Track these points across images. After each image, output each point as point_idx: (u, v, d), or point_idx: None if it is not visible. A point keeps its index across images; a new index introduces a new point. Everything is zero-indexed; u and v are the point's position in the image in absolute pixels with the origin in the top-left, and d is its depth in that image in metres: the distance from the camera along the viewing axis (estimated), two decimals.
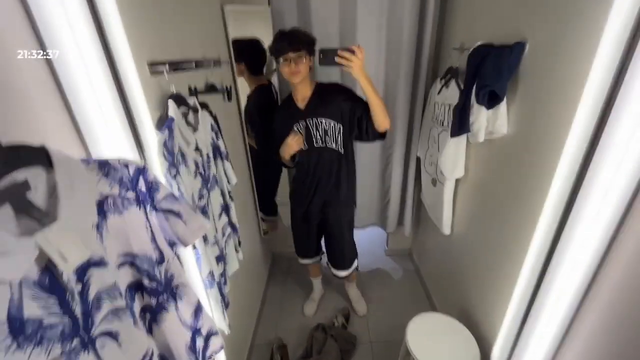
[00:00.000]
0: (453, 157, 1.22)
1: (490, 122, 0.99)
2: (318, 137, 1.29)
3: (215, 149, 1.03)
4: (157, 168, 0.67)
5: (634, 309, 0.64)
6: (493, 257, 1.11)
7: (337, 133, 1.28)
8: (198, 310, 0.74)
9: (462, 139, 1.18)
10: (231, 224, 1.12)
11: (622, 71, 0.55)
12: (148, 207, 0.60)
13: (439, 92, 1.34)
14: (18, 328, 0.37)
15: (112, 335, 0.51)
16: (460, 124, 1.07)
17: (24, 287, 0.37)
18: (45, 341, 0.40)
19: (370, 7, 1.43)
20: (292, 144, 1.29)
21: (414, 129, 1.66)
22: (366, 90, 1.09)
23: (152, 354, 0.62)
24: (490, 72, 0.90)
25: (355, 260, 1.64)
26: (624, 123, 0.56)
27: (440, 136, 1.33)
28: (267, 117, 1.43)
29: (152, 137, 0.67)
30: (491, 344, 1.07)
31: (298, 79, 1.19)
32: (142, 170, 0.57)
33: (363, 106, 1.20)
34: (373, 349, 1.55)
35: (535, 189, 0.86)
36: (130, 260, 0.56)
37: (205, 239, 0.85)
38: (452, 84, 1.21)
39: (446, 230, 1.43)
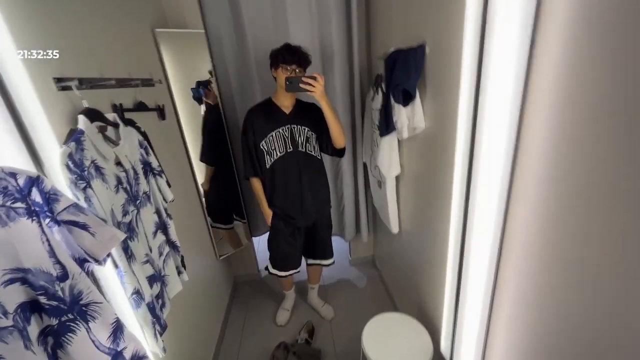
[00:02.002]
0: (388, 156, 1.29)
1: (410, 118, 1.07)
2: (300, 142, 1.40)
3: (146, 165, 1.00)
4: (61, 180, 0.65)
5: (537, 269, 0.69)
6: (433, 247, 1.16)
7: (314, 142, 1.42)
8: (117, 331, 0.69)
9: (393, 138, 1.25)
10: (170, 242, 1.08)
11: (481, 61, 0.63)
12: (46, 220, 0.57)
13: (372, 99, 1.42)
14: None
15: None
16: (387, 124, 1.14)
17: None
18: None
19: (302, 30, 1.54)
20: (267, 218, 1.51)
21: (357, 138, 1.74)
22: (326, 112, 1.26)
23: None
24: (401, 73, 0.99)
25: (332, 251, 1.73)
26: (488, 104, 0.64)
27: (378, 139, 1.40)
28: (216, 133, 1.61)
29: (54, 150, 0.64)
30: (440, 333, 1.09)
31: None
32: (34, 180, 0.54)
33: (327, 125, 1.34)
34: (339, 359, 1.51)
35: (445, 177, 0.93)
36: (21, 276, 0.52)
37: (129, 255, 0.81)
38: (380, 89, 1.30)
39: (394, 229, 1.47)
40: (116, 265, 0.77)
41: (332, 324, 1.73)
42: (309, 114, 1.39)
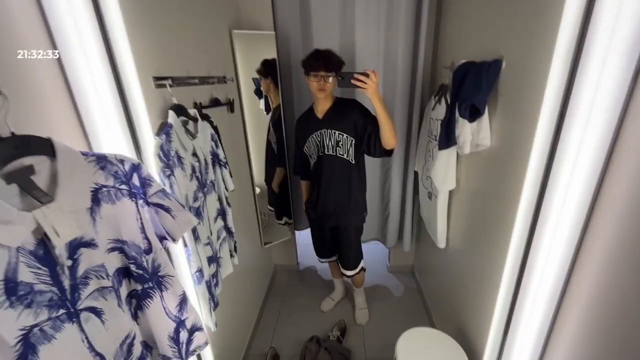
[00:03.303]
0: (444, 170, 1.25)
1: (474, 134, 1.02)
2: (330, 145, 1.41)
3: (215, 157, 1.11)
4: (153, 167, 0.75)
5: (610, 309, 0.63)
6: (482, 269, 1.11)
7: (348, 145, 1.40)
8: (183, 302, 0.79)
9: (452, 152, 1.21)
10: (227, 228, 1.18)
11: (570, 84, 0.59)
12: (140, 201, 0.67)
13: (433, 108, 1.39)
14: (12, 289, 0.43)
15: (97, 312, 0.57)
16: (447, 137, 1.10)
17: (20, 254, 0.44)
18: (34, 305, 0.46)
19: (368, 34, 1.54)
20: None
21: (411, 145, 1.70)
22: (378, 109, 1.20)
23: (134, 337, 0.67)
24: (471, 87, 0.95)
25: (361, 262, 1.70)
26: (574, 131, 0.60)
27: (434, 150, 1.36)
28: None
29: (150, 140, 0.75)
30: (480, 356, 1.04)
31: (323, 95, 1.33)
32: (136, 167, 0.64)
33: (374, 124, 1.30)
34: None
35: (511, 199, 0.87)
36: (120, 246, 0.62)
37: (197, 237, 0.91)
38: (443, 100, 1.26)
39: (441, 244, 1.43)
40: (185, 245, 0.87)
41: (364, 327, 1.75)
42: (346, 115, 1.36)
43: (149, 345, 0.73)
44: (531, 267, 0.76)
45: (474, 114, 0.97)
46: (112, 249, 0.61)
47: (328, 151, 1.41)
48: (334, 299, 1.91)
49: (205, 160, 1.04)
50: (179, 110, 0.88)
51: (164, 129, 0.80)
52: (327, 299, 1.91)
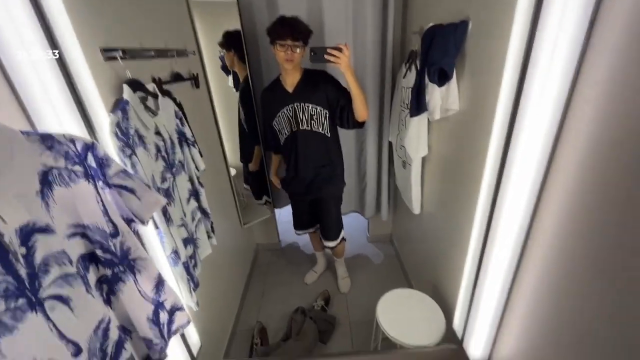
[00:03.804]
0: (416, 137, 1.26)
1: (444, 99, 1.03)
2: (304, 120, 1.37)
3: (181, 135, 1.05)
4: (111, 147, 0.70)
5: (567, 264, 0.68)
6: (454, 230, 1.16)
7: (323, 118, 1.38)
8: (159, 284, 0.77)
9: (423, 119, 1.22)
10: (201, 209, 1.15)
11: (531, 41, 0.60)
12: (100, 183, 0.63)
13: (404, 76, 1.38)
14: None
15: (63, 300, 0.54)
16: (418, 104, 1.11)
17: None
18: None
19: (336, 0, 1.47)
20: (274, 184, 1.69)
21: (384, 116, 1.70)
22: (351, 83, 1.19)
23: (108, 322, 0.65)
24: (439, 51, 0.95)
25: (341, 232, 1.73)
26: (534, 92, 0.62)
27: (406, 119, 1.37)
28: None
29: (104, 118, 0.69)
30: (454, 311, 1.12)
31: (291, 66, 1.27)
32: (90, 147, 0.59)
33: (346, 96, 1.30)
34: (352, 329, 1.60)
35: (477, 160, 0.90)
36: (82, 231, 0.59)
37: (168, 219, 0.88)
38: (413, 67, 1.26)
39: (416, 209, 1.48)
40: (157, 227, 0.84)
41: (347, 295, 1.82)
42: (317, 88, 1.32)
43: (127, 329, 0.72)
44: (496, 224, 0.80)
45: (442, 79, 0.98)
46: (73, 235, 0.58)
47: (303, 126, 1.38)
48: (317, 272, 1.96)
49: (171, 140, 0.98)
50: (135, 85, 0.82)
51: (119, 105, 0.75)
52: (310, 272, 1.96)
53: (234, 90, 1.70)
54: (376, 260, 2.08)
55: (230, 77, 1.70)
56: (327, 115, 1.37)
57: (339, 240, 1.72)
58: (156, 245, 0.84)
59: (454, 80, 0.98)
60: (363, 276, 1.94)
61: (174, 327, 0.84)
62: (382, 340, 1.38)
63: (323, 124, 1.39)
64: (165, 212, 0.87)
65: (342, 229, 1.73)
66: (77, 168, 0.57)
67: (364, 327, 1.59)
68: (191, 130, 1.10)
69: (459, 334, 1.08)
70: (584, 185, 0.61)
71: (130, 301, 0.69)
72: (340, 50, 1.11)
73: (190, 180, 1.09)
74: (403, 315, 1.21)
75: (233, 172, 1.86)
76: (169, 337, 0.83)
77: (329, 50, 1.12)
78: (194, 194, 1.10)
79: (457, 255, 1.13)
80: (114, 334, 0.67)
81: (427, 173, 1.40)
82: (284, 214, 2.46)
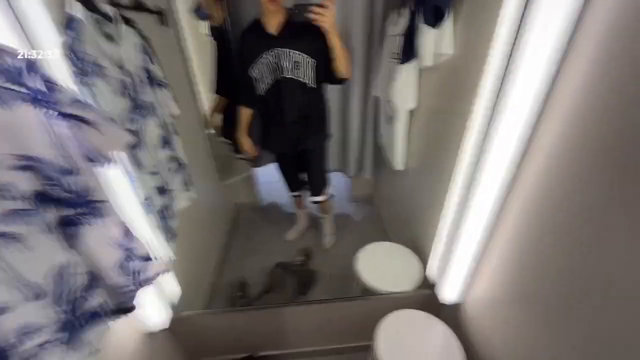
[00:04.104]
0: (404, 87, 1.21)
1: (437, 43, 0.97)
2: (288, 67, 1.27)
3: (149, 74, 0.94)
4: (64, 72, 0.60)
5: (540, 221, 0.70)
6: (437, 184, 1.17)
7: (309, 67, 1.28)
8: (127, 231, 0.72)
9: (413, 68, 1.16)
10: (176, 158, 1.08)
11: None
12: (50, 111, 0.54)
13: (395, 24, 1.29)
14: None
15: (15, 238, 0.48)
16: (409, 49, 1.04)
17: None
18: None
19: None
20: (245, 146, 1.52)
21: (371, 69, 1.62)
22: (333, 44, 1.14)
23: (75, 266, 0.60)
24: None
25: (328, 187, 1.73)
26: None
27: (395, 69, 1.30)
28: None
29: (51, 38, 0.59)
30: (431, 261, 1.16)
31: (275, 7, 1.16)
32: (32, 64, 0.50)
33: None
34: (332, 282, 1.65)
35: (465, 110, 0.88)
36: (31, 164, 0.51)
37: (139, 164, 0.81)
38: (406, 11, 1.17)
39: (399, 165, 1.47)
40: (128, 172, 0.77)
41: (328, 251, 1.85)
42: (305, 33, 1.20)
43: (96, 276, 0.67)
44: (478, 179, 0.80)
45: (437, 18, 0.91)
46: (22, 168, 0.50)
47: (286, 74, 1.28)
48: (298, 230, 1.97)
49: (140, 77, 0.88)
50: (88, 3, 0.70)
51: (70, 25, 0.63)
52: (291, 230, 1.96)
53: (211, 38, 1.54)
54: (357, 219, 2.11)
55: (207, 24, 1.52)
56: (314, 65, 1.27)
57: (325, 196, 1.71)
58: (129, 190, 0.77)
59: (449, 22, 0.92)
60: (344, 233, 1.97)
61: (148, 276, 0.81)
62: (361, 290, 1.43)
63: (309, 74, 1.30)
64: (135, 156, 0.79)
65: (329, 183, 1.73)
66: (16, 88, 0.48)
67: (343, 280, 1.64)
68: (162, 70, 0.99)
69: (434, 281, 1.13)
70: (572, 139, 0.60)
71: (96, 246, 0.64)
72: (325, 6, 1.03)
73: (163, 126, 1.00)
74: (381, 265, 1.24)
75: (210, 130, 1.75)
76: (142, 285, 0.80)
77: (312, 9, 1.04)
78: (167, 142, 1.02)
79: (437, 208, 1.14)
80: (80, 279, 0.62)
81: (414, 128, 1.37)
82: (265, 173, 2.41)
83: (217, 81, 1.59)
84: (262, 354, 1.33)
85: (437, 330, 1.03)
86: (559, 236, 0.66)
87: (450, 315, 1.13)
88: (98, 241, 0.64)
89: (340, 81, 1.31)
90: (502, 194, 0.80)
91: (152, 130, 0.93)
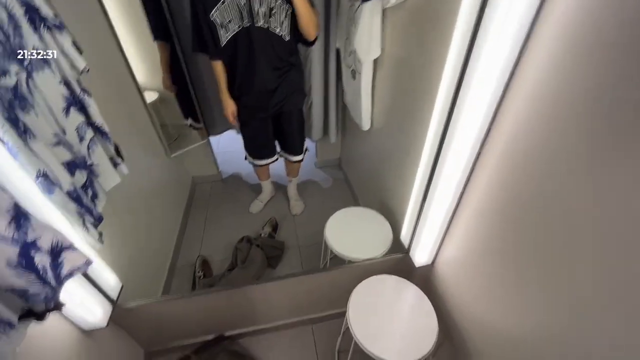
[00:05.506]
0: (368, 34, 1.06)
1: None
2: (261, 14, 1.09)
3: (31, 12, 0.70)
4: None
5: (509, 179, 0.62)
6: (406, 142, 1.07)
7: (284, 15, 1.11)
8: (19, 217, 0.55)
9: (376, 8, 1.01)
10: (93, 125, 0.87)
11: None
12: None
13: None
14: None
15: None
16: None
17: None
18: None
19: None
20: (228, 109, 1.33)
21: (331, 16, 1.42)
22: (297, 3, 1.05)
23: None
24: None
25: (306, 143, 1.63)
26: None
27: (357, 13, 1.13)
28: None
29: None
30: (401, 224, 1.10)
31: None
32: None
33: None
34: (301, 252, 1.58)
35: (435, 57, 0.76)
36: None
37: (25, 131, 0.61)
38: None
39: (366, 125, 1.36)
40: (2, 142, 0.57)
41: (295, 220, 1.76)
42: None
43: None
44: (451, 135, 0.71)
45: None
46: None
47: (258, 23, 1.10)
48: (263, 201, 1.84)
49: (10, 14, 0.64)
50: None
51: None
52: (255, 202, 1.83)
53: None
54: (325, 185, 2.02)
55: None
56: (290, 13, 1.10)
57: (304, 153, 1.61)
58: (11, 165, 0.58)
59: None
60: (311, 201, 1.88)
61: (65, 271, 0.65)
62: (330, 259, 1.37)
63: (282, 23, 1.12)
64: (15, 120, 0.59)
65: (305, 140, 1.61)
66: None
67: (313, 249, 1.57)
68: (52, 9, 0.75)
69: (406, 244, 1.08)
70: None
71: None
72: None
73: (66, 83, 0.78)
74: (351, 232, 1.17)
75: (154, 95, 1.50)
76: (60, 283, 0.64)
77: None
78: (75, 104, 0.80)
79: (407, 169, 1.06)
80: None
81: (379, 82, 1.24)
82: (223, 143, 2.20)
83: (151, 21, 1.32)
84: (233, 333, 1.25)
85: (409, 293, 0.99)
86: (524, 193, 0.64)
87: (422, 277, 1.10)
88: None
89: (308, 43, 1.22)
90: (474, 152, 0.73)
91: (49, 88, 0.72)
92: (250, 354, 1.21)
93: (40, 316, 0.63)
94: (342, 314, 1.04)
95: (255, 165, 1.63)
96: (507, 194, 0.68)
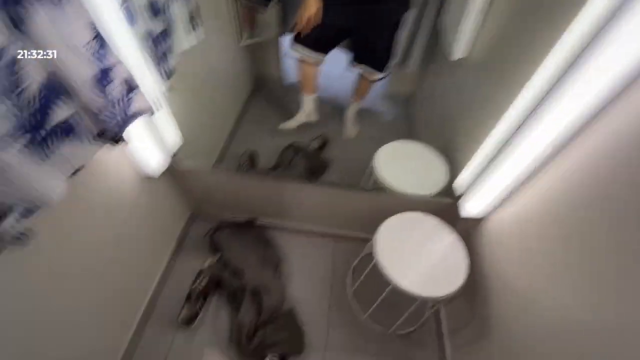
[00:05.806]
0: None
1: None
2: None
3: None
4: None
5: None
6: (502, 81, 0.90)
7: None
8: (99, 39, 0.56)
9: None
10: None
11: None
12: None
13: None
14: None
15: None
16: None
17: None
18: None
19: None
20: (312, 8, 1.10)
21: None
22: None
23: (24, 54, 0.47)
24: None
25: (391, 63, 1.43)
26: None
27: None
28: None
29: None
30: (458, 171, 1.00)
31: None
32: None
33: None
34: (344, 174, 1.55)
35: None
36: None
37: None
38: None
39: (459, 52, 1.15)
40: None
41: (347, 144, 1.70)
42: None
43: (61, 81, 0.55)
44: (563, 88, 0.55)
45: None
46: None
47: None
48: (300, 120, 1.61)
49: None
50: None
51: None
52: (291, 120, 1.62)
53: None
54: (388, 118, 1.89)
55: None
56: None
57: (387, 73, 1.44)
58: None
59: None
60: (370, 129, 1.77)
61: (131, 109, 0.69)
62: (373, 187, 1.34)
63: None
64: None
65: (392, 59, 1.42)
66: None
67: (357, 176, 1.53)
68: None
69: (458, 191, 1.00)
70: None
71: (53, 38, 0.49)
72: None
73: None
74: (403, 164, 1.11)
75: None
76: (126, 117, 0.69)
77: None
78: None
79: (490, 115, 0.91)
80: (36, 73, 0.50)
81: (495, 5, 1.00)
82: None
83: None
84: (263, 221, 1.35)
85: (446, 236, 0.95)
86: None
87: (465, 228, 1.03)
88: (55, 32, 0.49)
89: None
90: (580, 122, 0.59)
91: None
92: (274, 243, 1.32)
93: (112, 140, 0.70)
94: (367, 240, 1.04)
95: (301, 61, 1.35)
96: (598, 180, 0.59)
